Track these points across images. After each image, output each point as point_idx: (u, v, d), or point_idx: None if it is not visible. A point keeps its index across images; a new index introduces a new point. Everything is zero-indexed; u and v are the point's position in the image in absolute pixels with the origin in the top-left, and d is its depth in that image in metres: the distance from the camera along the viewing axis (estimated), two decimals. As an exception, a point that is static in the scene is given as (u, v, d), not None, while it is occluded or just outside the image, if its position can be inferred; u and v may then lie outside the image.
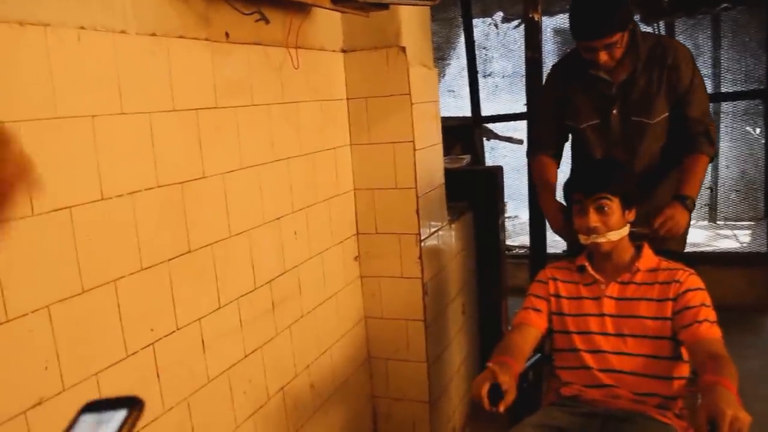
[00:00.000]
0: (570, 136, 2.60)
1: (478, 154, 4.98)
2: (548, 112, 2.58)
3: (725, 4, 4.74)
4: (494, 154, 6.19)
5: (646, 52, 2.35)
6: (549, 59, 4.87)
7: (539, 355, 2.12)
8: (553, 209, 2.40)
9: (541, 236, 3.27)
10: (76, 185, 1.39)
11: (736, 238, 5.45)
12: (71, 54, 1.37)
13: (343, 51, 2.54)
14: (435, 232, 2.76)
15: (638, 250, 1.97)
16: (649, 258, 1.95)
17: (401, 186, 2.55)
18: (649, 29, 5.07)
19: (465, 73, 5.33)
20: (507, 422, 1.93)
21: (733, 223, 5.72)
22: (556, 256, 2.87)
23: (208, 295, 1.80)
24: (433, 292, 2.72)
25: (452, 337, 3.00)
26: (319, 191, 2.38)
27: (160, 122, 1.62)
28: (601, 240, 1.89)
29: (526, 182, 3.50)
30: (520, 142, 5.56)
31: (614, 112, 2.41)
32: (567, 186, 2.00)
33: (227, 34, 1.87)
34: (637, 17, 4.85)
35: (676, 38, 4.56)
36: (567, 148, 2.66)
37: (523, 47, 3.50)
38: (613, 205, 1.88)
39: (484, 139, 5.53)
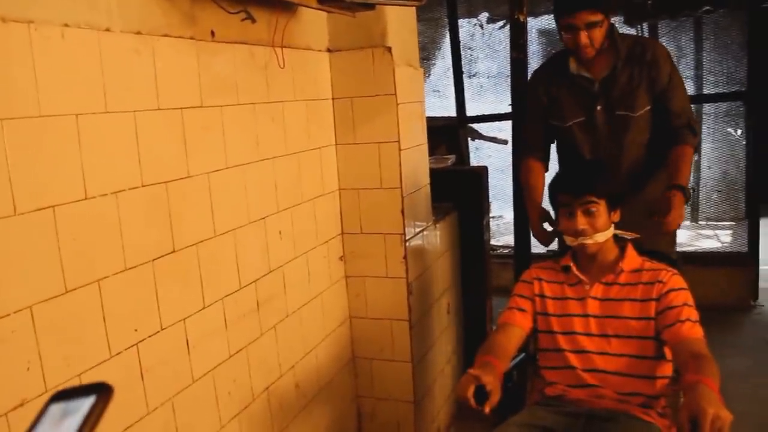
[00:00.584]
0: (556, 137, 2.63)
1: (463, 155, 4.99)
2: (535, 115, 2.62)
3: (707, 7, 4.79)
4: (479, 154, 6.21)
5: (625, 50, 2.42)
6: (534, 60, 4.89)
7: (524, 354, 2.13)
8: (534, 214, 2.49)
9: (526, 236, 3.29)
10: (60, 184, 1.37)
11: (717, 238, 5.51)
12: (55, 51, 1.36)
13: (329, 51, 2.54)
14: (420, 232, 2.76)
15: (622, 250, 1.99)
16: (632, 258, 1.96)
17: (386, 186, 2.55)
18: (632, 31, 5.12)
19: (450, 74, 5.36)
20: (492, 421, 1.94)
21: (715, 223, 5.79)
22: (540, 256, 2.89)
23: (193, 294, 1.79)
24: (418, 292, 2.72)
25: (437, 337, 3.01)
26: (304, 191, 2.38)
27: (145, 121, 1.60)
28: (589, 242, 1.91)
29: (511, 182, 3.53)
30: (504, 142, 5.57)
31: (598, 108, 2.46)
32: (552, 187, 2.01)
33: (213, 33, 1.86)
34: (620, 19, 4.92)
35: (659, 40, 4.60)
36: (553, 150, 2.69)
37: (508, 48, 3.52)
38: (600, 208, 1.89)
39: (469, 139, 5.55)
